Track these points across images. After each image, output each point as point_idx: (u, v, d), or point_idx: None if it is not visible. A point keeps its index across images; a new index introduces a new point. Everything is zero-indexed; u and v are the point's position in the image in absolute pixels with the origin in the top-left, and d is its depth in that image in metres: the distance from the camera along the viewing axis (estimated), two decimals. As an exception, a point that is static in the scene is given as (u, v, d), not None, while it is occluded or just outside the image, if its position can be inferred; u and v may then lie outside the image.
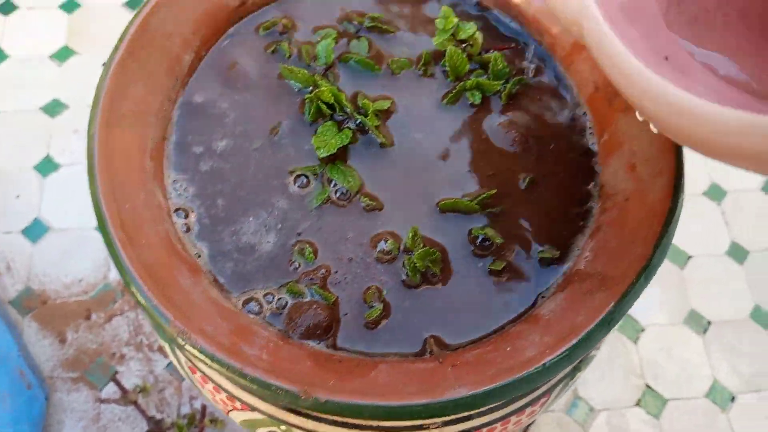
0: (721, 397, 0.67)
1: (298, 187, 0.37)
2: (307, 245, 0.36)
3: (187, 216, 0.36)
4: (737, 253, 0.74)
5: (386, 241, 0.36)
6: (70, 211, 0.71)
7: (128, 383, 0.64)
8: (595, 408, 0.66)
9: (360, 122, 0.39)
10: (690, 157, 0.35)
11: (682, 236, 0.75)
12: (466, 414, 0.32)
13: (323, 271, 0.35)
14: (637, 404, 0.66)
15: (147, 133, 0.37)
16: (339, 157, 0.38)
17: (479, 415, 0.33)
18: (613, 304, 0.32)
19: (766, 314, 0.71)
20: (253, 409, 0.34)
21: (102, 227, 0.32)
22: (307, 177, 0.38)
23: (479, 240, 0.36)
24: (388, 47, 0.42)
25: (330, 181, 0.38)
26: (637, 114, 0.34)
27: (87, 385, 0.64)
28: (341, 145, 0.37)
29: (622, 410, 0.66)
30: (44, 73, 0.78)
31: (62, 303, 0.67)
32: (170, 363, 0.65)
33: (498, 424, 0.35)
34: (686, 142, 0.27)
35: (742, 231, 0.75)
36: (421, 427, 0.32)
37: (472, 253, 0.36)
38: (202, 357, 0.30)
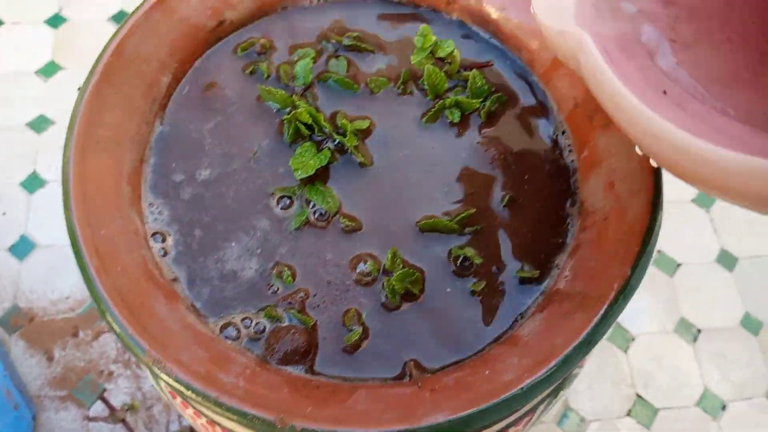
0: (712, 405, 0.67)
1: (281, 208, 0.37)
2: (286, 268, 0.35)
3: (164, 240, 0.36)
4: (727, 260, 0.74)
5: (365, 263, 0.36)
6: (57, 227, 0.70)
7: (116, 401, 0.64)
8: (586, 419, 0.65)
9: (339, 142, 0.39)
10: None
11: (671, 244, 0.75)
12: (445, 439, 0.32)
13: (302, 294, 0.35)
14: (628, 414, 0.66)
15: (124, 158, 0.36)
16: (318, 178, 0.38)
17: (459, 439, 0.33)
18: (591, 326, 0.31)
19: (756, 321, 0.71)
20: (233, 434, 0.34)
21: (77, 254, 0.32)
22: (290, 198, 0.38)
23: (459, 260, 0.36)
24: (366, 66, 0.42)
25: (309, 202, 0.37)
26: (636, 148, 0.34)
27: (75, 403, 0.64)
28: (319, 166, 0.37)
29: (613, 420, 0.66)
30: (30, 89, 0.78)
31: (49, 320, 0.67)
32: (158, 380, 0.64)
33: (480, 447, 0.35)
34: (687, 179, 0.27)
35: (732, 238, 0.75)
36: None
37: (452, 273, 0.36)
38: (178, 386, 0.30)
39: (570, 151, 0.39)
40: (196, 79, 0.40)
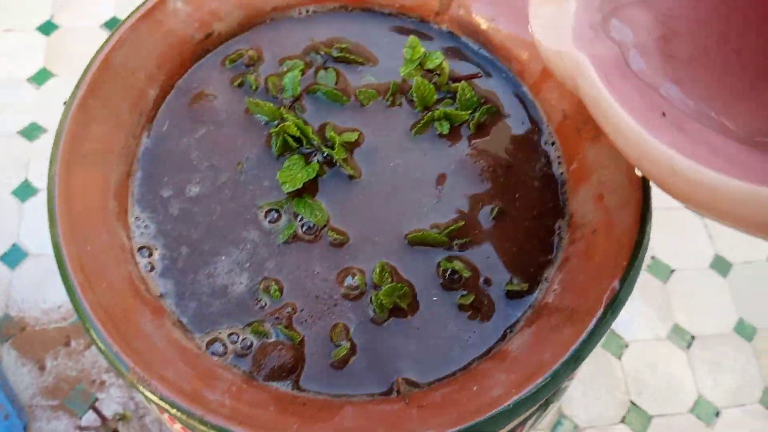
0: (705, 412, 0.67)
1: (269, 222, 0.37)
2: (273, 283, 0.35)
3: (150, 254, 0.36)
4: (721, 266, 0.74)
5: (353, 276, 0.36)
6: (49, 236, 0.70)
7: (108, 410, 0.63)
8: (580, 426, 0.65)
9: (327, 155, 0.38)
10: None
11: (665, 250, 0.75)
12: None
13: (289, 309, 0.35)
14: (622, 421, 0.66)
15: (110, 172, 0.36)
16: (306, 191, 0.38)
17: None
18: (579, 341, 0.31)
19: (750, 327, 0.71)
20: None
21: (62, 271, 0.32)
22: (278, 212, 0.37)
23: (448, 273, 0.36)
24: (355, 78, 0.42)
25: (297, 215, 0.37)
26: (636, 170, 0.34)
27: (67, 413, 0.63)
28: (307, 180, 0.37)
29: (607, 428, 0.66)
30: (22, 96, 0.77)
31: (41, 330, 0.67)
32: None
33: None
34: (684, 202, 0.27)
35: (726, 244, 0.75)
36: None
37: (440, 287, 0.36)
38: (163, 404, 0.30)
39: (559, 163, 0.39)
40: (183, 92, 0.40)
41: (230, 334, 0.34)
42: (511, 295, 0.36)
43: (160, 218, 0.37)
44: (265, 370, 0.33)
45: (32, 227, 0.71)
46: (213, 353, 0.33)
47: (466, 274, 0.36)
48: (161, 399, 0.30)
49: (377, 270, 0.35)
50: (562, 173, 0.39)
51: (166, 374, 0.30)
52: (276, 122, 0.39)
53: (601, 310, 0.32)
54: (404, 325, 0.35)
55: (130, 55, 0.38)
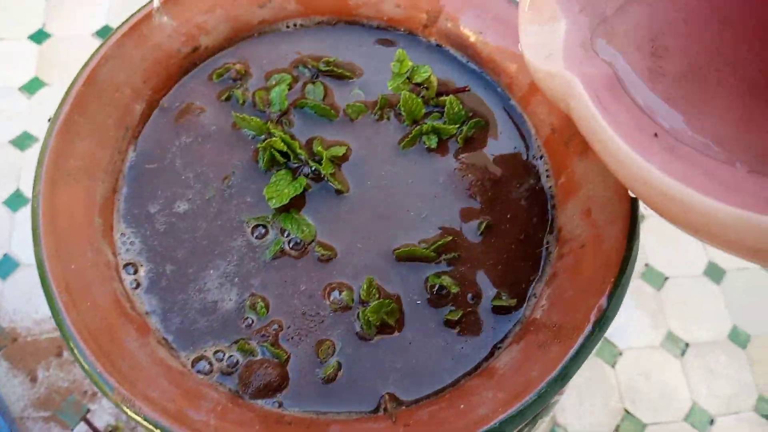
0: (700, 420, 0.67)
1: (256, 237, 0.37)
2: (260, 299, 0.35)
3: (136, 271, 0.36)
4: (714, 273, 0.74)
5: (341, 293, 0.36)
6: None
7: (100, 422, 0.63)
8: (574, 435, 0.65)
9: (315, 169, 0.38)
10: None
11: (658, 257, 0.75)
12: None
13: (275, 326, 0.35)
14: (616, 430, 0.66)
15: (95, 189, 0.36)
16: (294, 205, 0.38)
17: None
18: (566, 359, 0.31)
19: (744, 334, 0.71)
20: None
21: (46, 290, 0.32)
22: (265, 227, 0.37)
23: (435, 289, 0.36)
24: (343, 92, 0.41)
25: (284, 231, 0.37)
26: (630, 192, 0.34)
27: (58, 424, 0.63)
28: (294, 195, 0.37)
29: (600, 436, 0.66)
30: (14, 105, 0.77)
31: (33, 340, 0.66)
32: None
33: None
34: (677, 225, 0.27)
35: (719, 251, 0.75)
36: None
37: (428, 302, 0.36)
38: (147, 424, 0.29)
39: (548, 176, 0.39)
40: (170, 107, 0.40)
41: (216, 352, 0.34)
42: (499, 311, 0.36)
43: (146, 234, 0.36)
44: (251, 388, 0.33)
45: (24, 237, 0.70)
46: (198, 371, 0.33)
47: (454, 289, 0.36)
48: (145, 420, 0.29)
49: (365, 286, 0.35)
50: (550, 187, 0.39)
51: (150, 394, 0.30)
52: (263, 137, 0.39)
53: (589, 327, 0.32)
54: (392, 342, 0.35)
55: (116, 71, 0.38)
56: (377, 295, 0.35)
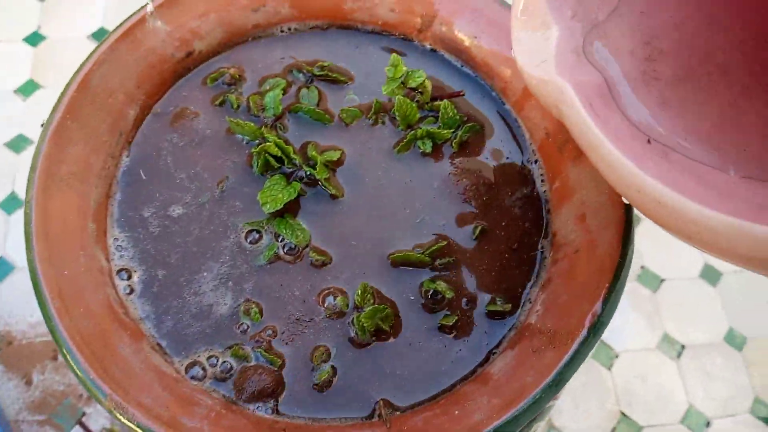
0: (696, 422, 0.67)
1: (250, 243, 0.37)
2: (254, 305, 0.35)
3: (129, 277, 0.35)
4: (710, 275, 0.74)
5: (335, 298, 0.36)
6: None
7: (96, 425, 0.63)
8: (570, 438, 0.65)
9: (309, 174, 0.38)
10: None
11: (654, 259, 0.75)
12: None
13: (269, 331, 0.35)
14: (612, 432, 0.66)
15: (89, 194, 0.36)
16: (288, 210, 0.38)
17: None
18: (561, 365, 0.31)
19: (741, 336, 0.71)
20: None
21: (38, 296, 0.32)
22: (259, 232, 0.37)
23: (430, 294, 0.36)
24: (338, 96, 0.41)
25: (278, 236, 0.37)
26: (623, 199, 0.34)
27: (54, 427, 0.63)
28: (289, 200, 0.37)
29: (597, 439, 0.66)
30: (9, 108, 0.77)
31: (28, 343, 0.66)
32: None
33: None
34: (670, 232, 0.27)
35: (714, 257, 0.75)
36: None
37: (423, 308, 0.36)
38: (140, 431, 0.29)
39: (542, 181, 0.39)
40: (164, 112, 0.40)
41: (210, 358, 0.34)
42: (494, 316, 0.36)
43: (140, 239, 0.36)
44: (246, 394, 0.33)
45: (19, 240, 0.70)
46: (192, 377, 0.33)
47: (449, 294, 0.36)
48: (138, 427, 0.29)
49: (359, 291, 0.35)
50: (545, 191, 0.39)
51: (143, 400, 0.30)
52: (257, 141, 0.39)
53: (584, 332, 0.32)
54: (386, 348, 0.35)
55: (109, 76, 0.38)
56: (372, 301, 0.35)
